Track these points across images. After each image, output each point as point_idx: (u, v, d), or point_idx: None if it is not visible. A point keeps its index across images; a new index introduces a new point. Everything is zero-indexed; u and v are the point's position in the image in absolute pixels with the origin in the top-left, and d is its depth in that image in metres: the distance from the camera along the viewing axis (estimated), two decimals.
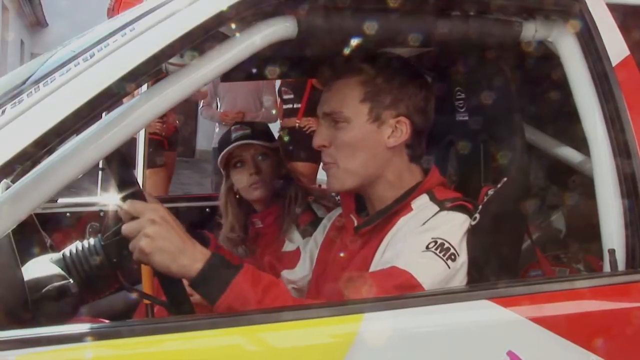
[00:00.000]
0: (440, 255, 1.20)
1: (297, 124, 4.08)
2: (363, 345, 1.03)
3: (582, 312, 1.20)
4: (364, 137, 1.33)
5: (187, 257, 1.09)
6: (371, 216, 1.39)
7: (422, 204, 1.32)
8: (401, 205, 1.34)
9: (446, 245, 1.21)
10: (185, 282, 1.14)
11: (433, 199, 1.32)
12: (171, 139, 4.22)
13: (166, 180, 4.26)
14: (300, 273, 1.56)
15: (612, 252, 1.26)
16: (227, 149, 2.02)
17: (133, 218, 1.09)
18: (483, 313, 1.13)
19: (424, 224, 1.27)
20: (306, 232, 1.89)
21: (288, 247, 1.95)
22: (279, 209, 2.03)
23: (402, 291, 1.15)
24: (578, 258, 1.61)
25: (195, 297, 1.22)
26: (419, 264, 1.19)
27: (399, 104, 1.34)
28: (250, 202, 2.09)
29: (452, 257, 1.21)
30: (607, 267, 1.26)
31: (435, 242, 1.21)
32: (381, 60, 1.38)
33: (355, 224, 1.41)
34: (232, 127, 2.08)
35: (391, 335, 1.06)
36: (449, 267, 1.20)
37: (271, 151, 2.05)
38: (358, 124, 1.33)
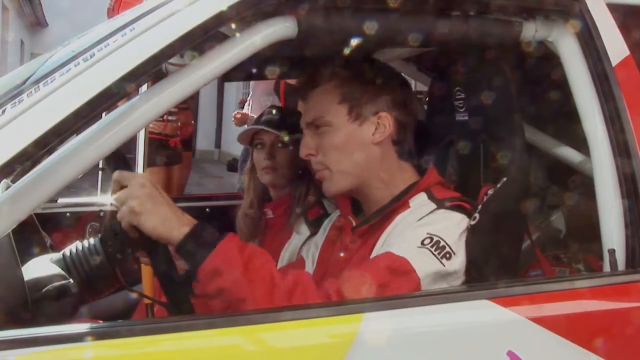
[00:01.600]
0: (435, 253, 1.20)
1: None
2: (363, 345, 1.03)
3: (582, 312, 1.20)
4: (348, 138, 1.34)
5: (175, 220, 1.10)
6: (368, 216, 1.39)
7: (420, 201, 1.32)
8: (398, 203, 1.34)
9: (442, 243, 1.21)
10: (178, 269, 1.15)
11: (431, 197, 1.32)
12: (186, 139, 4.21)
13: (182, 179, 4.28)
14: None
15: (612, 252, 1.26)
16: (251, 127, 2.10)
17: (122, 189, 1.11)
18: (483, 313, 1.13)
19: (419, 219, 1.27)
20: (314, 225, 1.90)
21: (294, 239, 1.95)
22: (290, 200, 2.05)
23: (395, 275, 1.16)
24: (578, 258, 1.61)
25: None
26: (414, 254, 1.19)
27: (377, 99, 1.35)
28: (266, 188, 2.12)
29: (447, 255, 1.21)
30: (607, 267, 1.26)
31: (431, 239, 1.21)
32: (355, 62, 1.38)
33: (353, 224, 1.41)
34: (267, 109, 2.12)
35: (391, 335, 1.06)
36: (444, 266, 1.20)
37: (292, 142, 2.06)
38: (340, 125, 1.34)
